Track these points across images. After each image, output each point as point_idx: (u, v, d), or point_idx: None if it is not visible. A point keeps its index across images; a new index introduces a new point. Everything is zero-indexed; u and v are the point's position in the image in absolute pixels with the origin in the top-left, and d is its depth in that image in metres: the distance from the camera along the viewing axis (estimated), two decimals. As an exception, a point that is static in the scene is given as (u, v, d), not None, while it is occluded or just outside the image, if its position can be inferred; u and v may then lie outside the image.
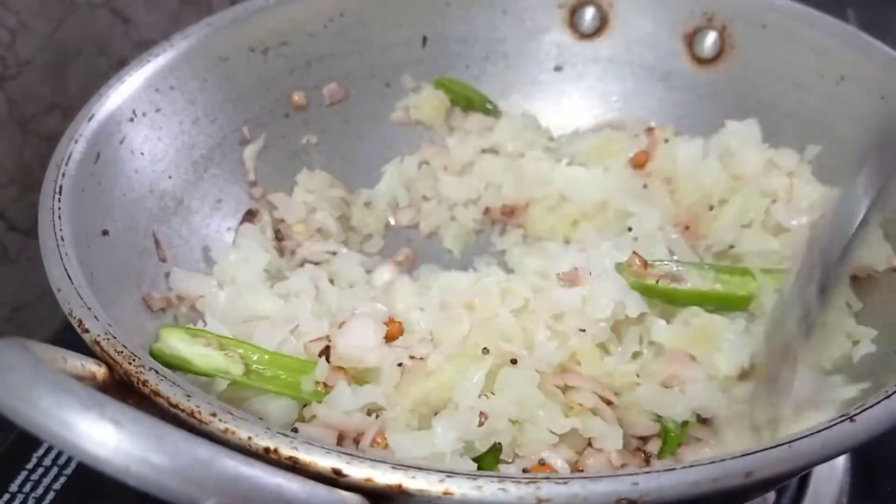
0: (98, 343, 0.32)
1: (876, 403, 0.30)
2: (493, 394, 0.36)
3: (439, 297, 0.42)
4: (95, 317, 0.33)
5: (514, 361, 0.38)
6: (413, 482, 0.27)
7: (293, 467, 0.27)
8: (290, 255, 0.51)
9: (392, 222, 0.57)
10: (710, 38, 0.55)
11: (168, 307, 0.44)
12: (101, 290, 0.36)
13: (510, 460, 0.36)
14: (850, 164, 0.48)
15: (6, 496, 0.46)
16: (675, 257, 0.46)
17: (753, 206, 0.48)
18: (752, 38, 0.54)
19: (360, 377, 0.39)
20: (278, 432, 0.28)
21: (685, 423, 0.38)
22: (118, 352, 0.32)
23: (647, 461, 0.38)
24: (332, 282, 0.48)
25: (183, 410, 0.29)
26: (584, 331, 0.39)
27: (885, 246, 0.43)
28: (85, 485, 0.47)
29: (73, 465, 0.48)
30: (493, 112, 0.59)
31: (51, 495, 0.47)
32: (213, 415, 0.29)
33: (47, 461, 0.48)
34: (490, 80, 0.61)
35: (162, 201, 0.47)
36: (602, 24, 0.59)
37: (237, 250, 0.49)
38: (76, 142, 0.42)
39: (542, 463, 0.36)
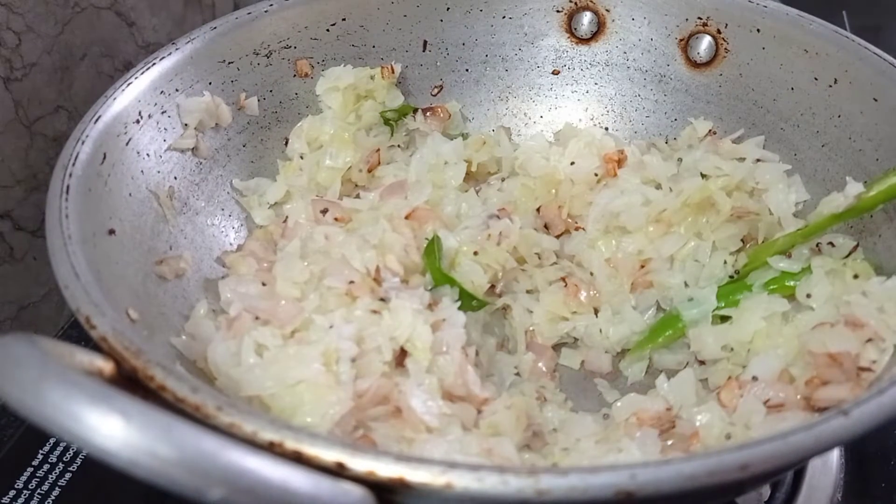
0: (105, 339, 0.33)
1: (869, 399, 0.31)
2: None
3: None
4: (102, 313, 0.34)
5: None
6: (415, 475, 0.27)
7: (297, 460, 0.28)
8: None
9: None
10: (705, 42, 0.56)
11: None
12: (108, 289, 0.37)
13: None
14: (842, 165, 0.49)
15: (12, 492, 0.47)
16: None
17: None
18: (746, 42, 0.54)
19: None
20: (283, 426, 0.29)
21: None
22: (125, 347, 0.32)
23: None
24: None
25: (189, 405, 0.30)
26: None
27: None
28: (90, 480, 0.48)
29: (78, 461, 0.49)
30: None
31: (56, 491, 0.47)
32: (219, 409, 0.29)
33: (53, 457, 0.49)
34: (489, 83, 0.62)
35: (168, 201, 0.48)
36: (599, 28, 0.59)
37: None
38: (83, 143, 0.42)
39: None
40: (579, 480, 0.27)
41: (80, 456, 0.49)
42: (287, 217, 0.52)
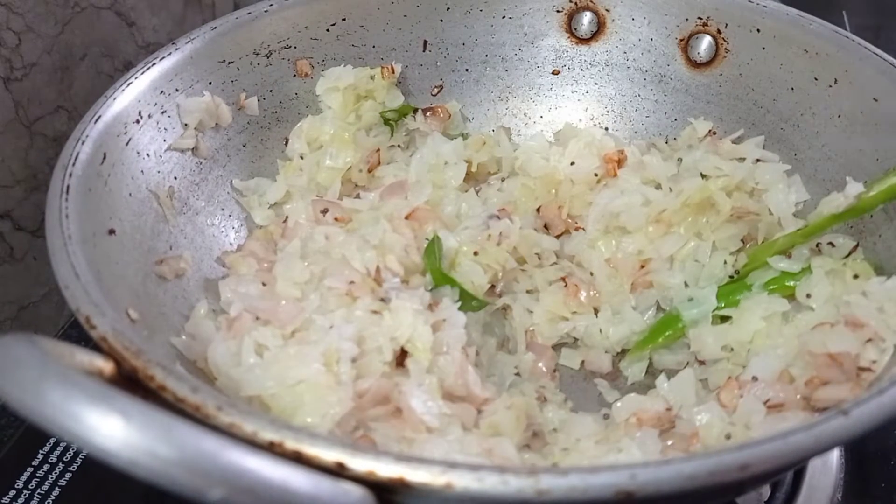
0: (105, 339, 0.33)
1: (869, 399, 0.31)
2: None
3: None
4: (102, 313, 0.34)
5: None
6: (415, 475, 0.27)
7: (297, 460, 0.28)
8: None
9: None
10: (705, 42, 0.56)
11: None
12: (108, 289, 0.37)
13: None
14: (842, 165, 0.49)
15: (12, 492, 0.47)
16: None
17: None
18: (746, 42, 0.54)
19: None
20: (283, 426, 0.29)
21: None
22: (125, 347, 0.32)
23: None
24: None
25: (189, 405, 0.30)
26: None
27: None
28: (90, 480, 0.48)
29: (78, 461, 0.49)
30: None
31: (56, 491, 0.47)
32: (219, 409, 0.29)
33: (53, 458, 0.49)
34: (489, 83, 0.62)
35: (168, 201, 0.48)
36: (599, 28, 0.59)
37: None
38: (83, 143, 0.42)
39: None
40: (579, 480, 0.27)
41: (80, 456, 0.49)
42: (287, 217, 0.52)
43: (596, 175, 0.54)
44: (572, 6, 0.59)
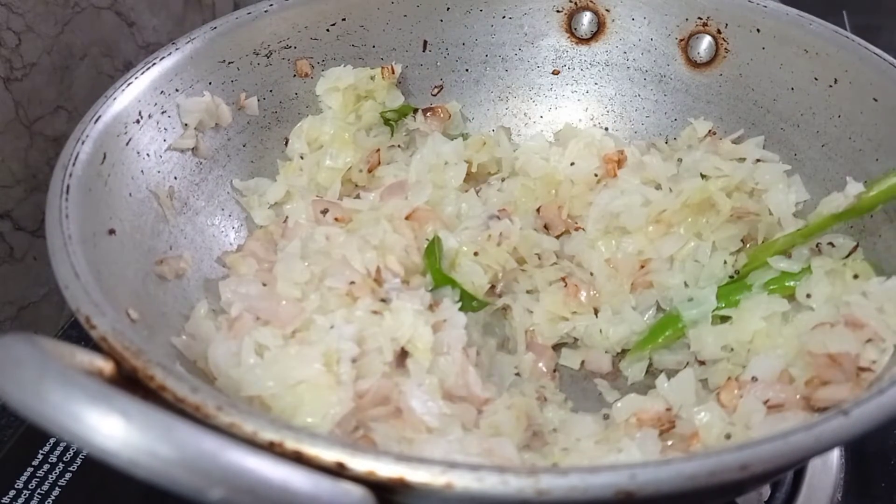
0: (105, 339, 0.33)
1: (869, 399, 0.31)
2: None
3: None
4: (102, 313, 0.34)
5: None
6: (415, 475, 0.27)
7: (297, 460, 0.28)
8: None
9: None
10: (705, 42, 0.56)
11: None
12: (108, 289, 0.37)
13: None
14: (842, 165, 0.49)
15: (12, 492, 0.47)
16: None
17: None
18: (746, 42, 0.54)
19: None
20: (283, 426, 0.29)
21: None
22: (125, 347, 0.32)
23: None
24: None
25: (189, 405, 0.30)
26: None
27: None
28: (90, 480, 0.48)
29: (78, 461, 0.49)
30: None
31: (56, 491, 0.47)
32: (219, 409, 0.29)
33: (53, 457, 0.49)
34: (489, 83, 0.62)
35: (168, 201, 0.48)
36: (599, 28, 0.59)
37: None
38: (83, 143, 0.42)
39: None
40: (579, 480, 0.27)
41: (80, 456, 0.49)
42: (287, 217, 0.52)
43: (596, 175, 0.54)
44: (572, 6, 0.59)
